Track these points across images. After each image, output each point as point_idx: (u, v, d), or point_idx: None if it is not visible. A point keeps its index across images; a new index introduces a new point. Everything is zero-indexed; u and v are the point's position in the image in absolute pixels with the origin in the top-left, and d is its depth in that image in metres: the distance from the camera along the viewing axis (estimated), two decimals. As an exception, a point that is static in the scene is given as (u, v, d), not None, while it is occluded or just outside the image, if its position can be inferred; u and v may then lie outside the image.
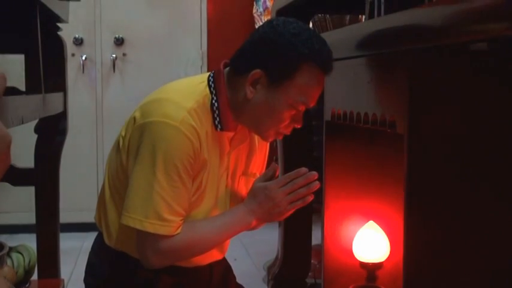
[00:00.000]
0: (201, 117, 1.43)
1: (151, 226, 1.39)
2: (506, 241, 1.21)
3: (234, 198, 1.57)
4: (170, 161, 1.38)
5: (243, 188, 1.59)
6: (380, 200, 1.75)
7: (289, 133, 1.52)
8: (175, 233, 1.42)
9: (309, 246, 2.23)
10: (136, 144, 1.42)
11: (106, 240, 1.53)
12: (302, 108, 1.46)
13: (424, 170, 1.20)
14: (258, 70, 1.42)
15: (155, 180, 1.38)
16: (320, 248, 1.84)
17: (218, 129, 1.46)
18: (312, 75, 1.43)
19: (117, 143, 1.50)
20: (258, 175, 1.62)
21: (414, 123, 1.18)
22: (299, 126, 1.50)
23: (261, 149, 1.64)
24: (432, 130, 1.19)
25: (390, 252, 1.70)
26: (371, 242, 1.70)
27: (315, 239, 2.31)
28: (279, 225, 2.30)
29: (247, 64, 1.44)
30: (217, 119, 1.46)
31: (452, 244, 1.20)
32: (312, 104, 1.47)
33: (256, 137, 1.60)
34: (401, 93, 1.22)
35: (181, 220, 1.43)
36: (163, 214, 1.39)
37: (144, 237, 1.43)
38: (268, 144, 1.67)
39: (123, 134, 1.48)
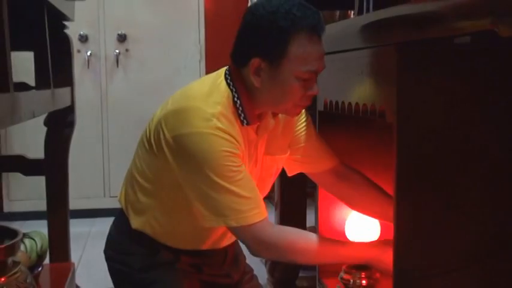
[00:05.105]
0: (229, 118, 1.43)
1: (247, 219, 1.41)
2: (493, 222, 1.25)
3: (259, 179, 1.59)
4: (218, 164, 1.39)
5: (268, 164, 1.60)
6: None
7: (310, 103, 1.50)
8: (266, 215, 1.44)
9: (303, 229, 2.27)
10: (173, 158, 1.43)
11: (133, 225, 1.56)
12: (311, 75, 1.43)
13: (413, 157, 1.22)
14: (255, 59, 1.42)
15: (217, 186, 1.39)
16: (314, 230, 1.88)
17: (244, 125, 1.47)
18: (304, 42, 1.40)
19: (143, 144, 1.52)
20: (282, 156, 1.63)
21: (403, 112, 1.21)
22: (316, 93, 1.48)
23: (285, 134, 1.63)
24: (420, 119, 1.21)
25: (381, 233, 1.74)
26: (363, 224, 1.74)
27: (309, 222, 2.35)
28: (275, 209, 2.36)
29: (243, 56, 1.45)
30: (242, 115, 1.46)
31: (440, 226, 1.24)
32: (320, 68, 1.44)
33: (282, 122, 1.60)
34: (390, 84, 1.24)
35: (259, 200, 1.44)
36: (241, 207, 1.41)
37: (240, 232, 1.44)
38: (297, 122, 1.65)
39: (149, 137, 1.49)
